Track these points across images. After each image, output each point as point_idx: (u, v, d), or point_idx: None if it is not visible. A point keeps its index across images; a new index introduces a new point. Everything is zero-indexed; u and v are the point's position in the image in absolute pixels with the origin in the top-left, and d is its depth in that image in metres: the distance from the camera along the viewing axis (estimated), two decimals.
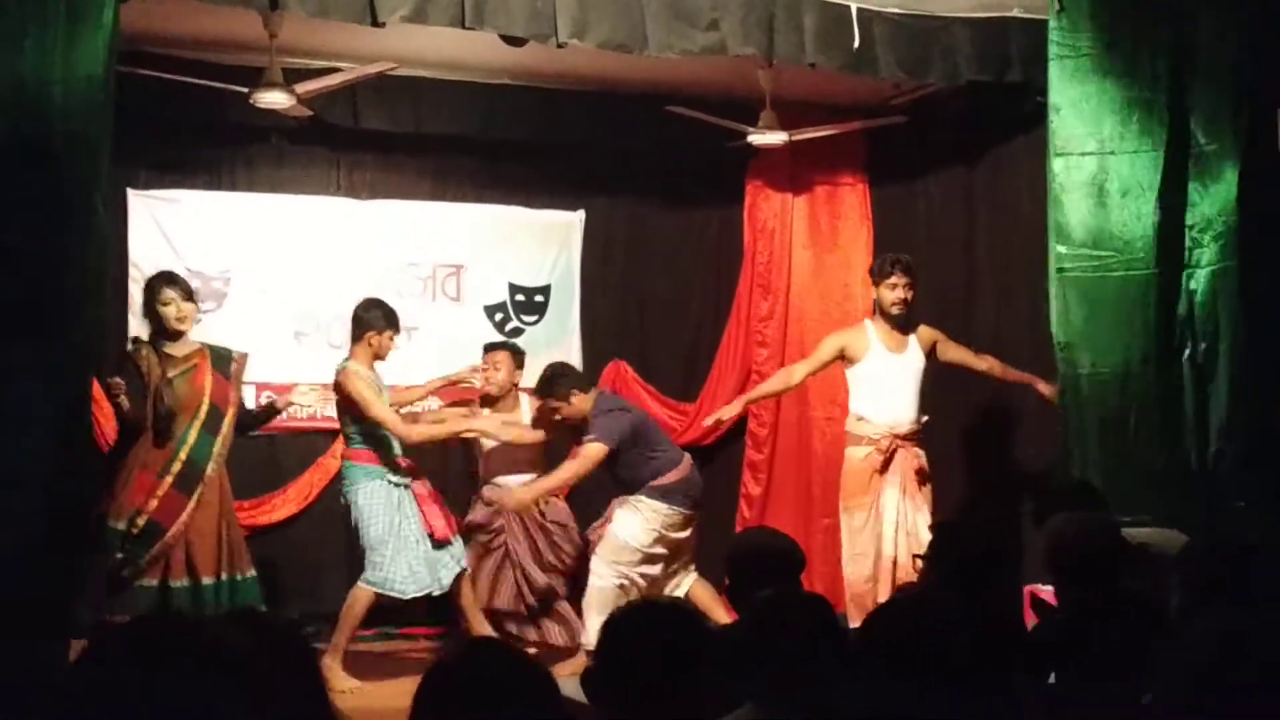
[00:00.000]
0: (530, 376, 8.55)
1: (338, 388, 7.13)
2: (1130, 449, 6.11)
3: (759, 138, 8.06)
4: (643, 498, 7.30)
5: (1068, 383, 6.24)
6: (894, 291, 7.36)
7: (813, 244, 9.35)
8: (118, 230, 7.85)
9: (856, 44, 6.57)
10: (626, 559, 7.27)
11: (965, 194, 8.82)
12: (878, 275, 7.47)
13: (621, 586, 7.23)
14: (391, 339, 7.25)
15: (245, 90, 7.22)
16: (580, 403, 7.42)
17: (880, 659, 2.41)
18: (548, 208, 9.13)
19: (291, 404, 7.61)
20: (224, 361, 6.98)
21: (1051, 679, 3.53)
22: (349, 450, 7.25)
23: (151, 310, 6.90)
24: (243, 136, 8.40)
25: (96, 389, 7.11)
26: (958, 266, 8.84)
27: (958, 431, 8.52)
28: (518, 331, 9.00)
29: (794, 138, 8.18)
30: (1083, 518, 4.42)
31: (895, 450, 7.21)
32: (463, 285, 8.93)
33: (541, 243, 9.11)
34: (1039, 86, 6.62)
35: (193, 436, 6.70)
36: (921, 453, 7.34)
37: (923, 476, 7.31)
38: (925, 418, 7.44)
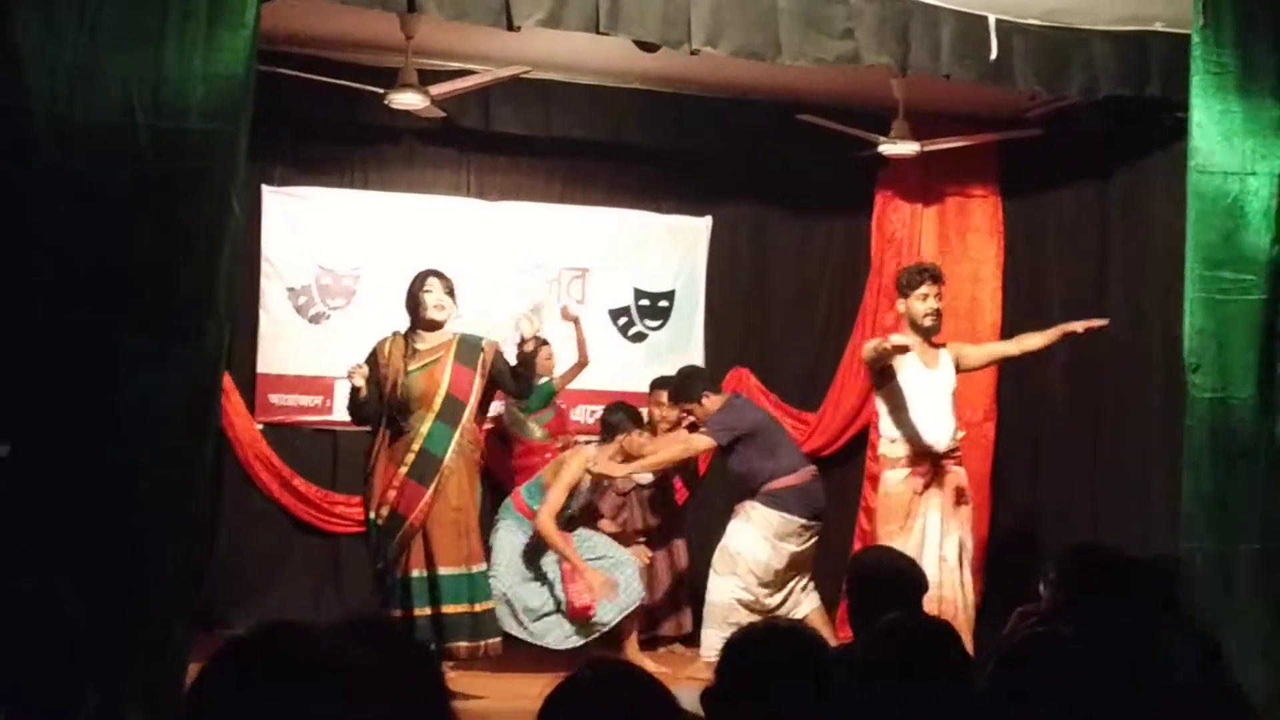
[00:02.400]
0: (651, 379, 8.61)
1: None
2: (1248, 476, 5.94)
3: (890, 147, 7.98)
4: (756, 504, 7.28)
5: (1194, 405, 6.07)
6: (925, 302, 7.00)
7: (941, 256, 9.21)
8: (251, 225, 7.99)
9: (994, 55, 6.47)
10: (741, 570, 7.23)
11: (1099, 209, 8.65)
12: (907, 286, 7.07)
13: (740, 601, 7.19)
14: (641, 436, 7.59)
15: (380, 91, 7.31)
16: (711, 404, 7.47)
17: (1012, 697, 2.35)
18: (675, 213, 9.13)
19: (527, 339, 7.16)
20: (471, 350, 6.93)
21: None
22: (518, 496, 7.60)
23: (413, 300, 6.91)
24: (376, 136, 8.51)
25: (227, 382, 7.27)
26: (1089, 282, 8.68)
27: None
28: (641, 336, 9.01)
29: (926, 148, 8.08)
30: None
31: (936, 471, 6.92)
32: (588, 288, 8.96)
33: (668, 248, 9.11)
34: (1178, 102, 6.47)
35: (425, 428, 6.76)
36: (961, 471, 7.06)
37: (961, 496, 7.01)
38: (962, 433, 7.18)
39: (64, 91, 4.84)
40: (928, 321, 7.01)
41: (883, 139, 7.94)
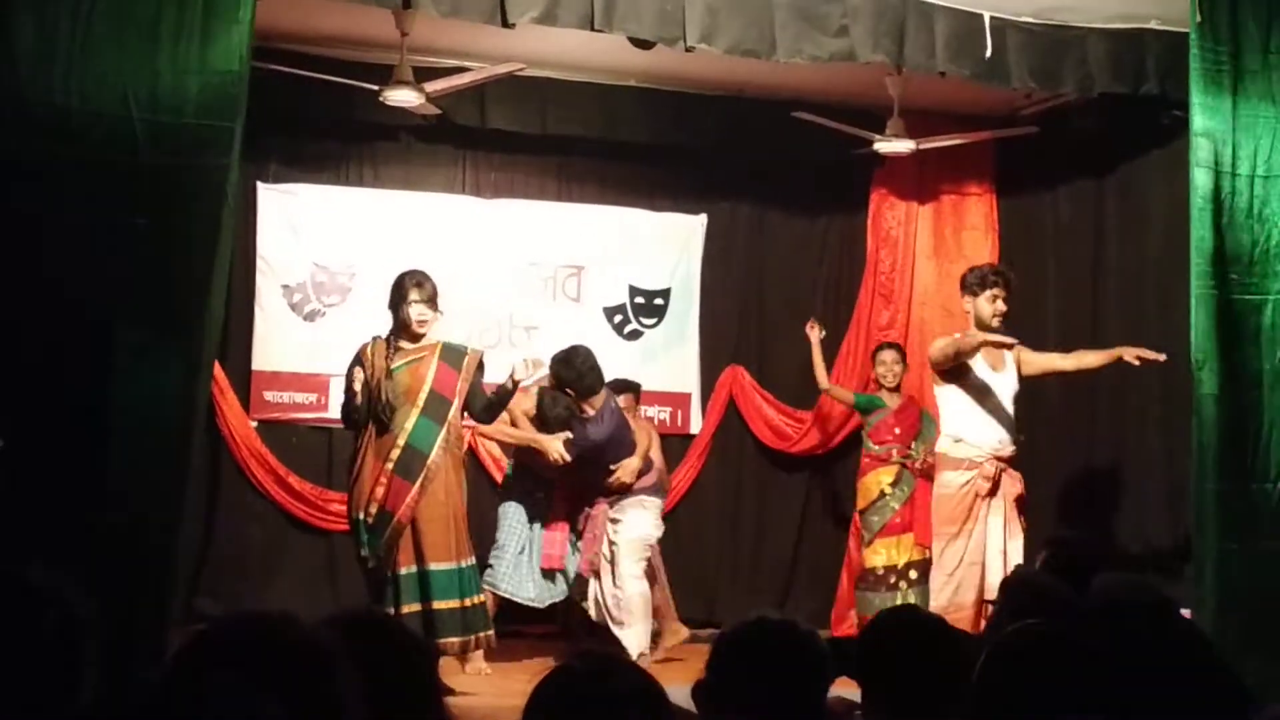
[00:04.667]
0: (650, 377, 8.61)
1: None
2: (1257, 474, 5.93)
3: (886, 145, 7.97)
4: (644, 497, 7.48)
5: (1199, 403, 6.06)
6: (995, 304, 6.97)
7: (936, 254, 9.24)
8: (246, 222, 7.99)
9: (989, 53, 6.47)
10: (647, 554, 7.47)
11: (1095, 208, 8.66)
12: (978, 286, 7.05)
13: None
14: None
15: (375, 88, 7.31)
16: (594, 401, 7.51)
17: (1003, 690, 2.34)
18: (670, 211, 9.12)
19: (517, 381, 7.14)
20: (455, 355, 6.94)
21: None
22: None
23: (395, 307, 6.86)
24: (371, 133, 8.51)
25: (219, 376, 7.27)
26: (1085, 281, 8.69)
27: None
28: (636, 334, 9.01)
29: (921, 146, 8.08)
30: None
31: (1000, 474, 6.89)
32: (583, 286, 8.95)
33: (663, 246, 9.11)
34: (1175, 99, 6.47)
35: (410, 424, 6.75)
36: (1019, 476, 7.04)
37: (1021, 504, 7.00)
38: (1021, 437, 7.15)
39: (60, 86, 4.85)
40: (995, 323, 6.99)
41: (878, 137, 7.94)
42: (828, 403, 9.11)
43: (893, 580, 7.86)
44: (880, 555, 7.93)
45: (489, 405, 7.00)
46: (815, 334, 8.48)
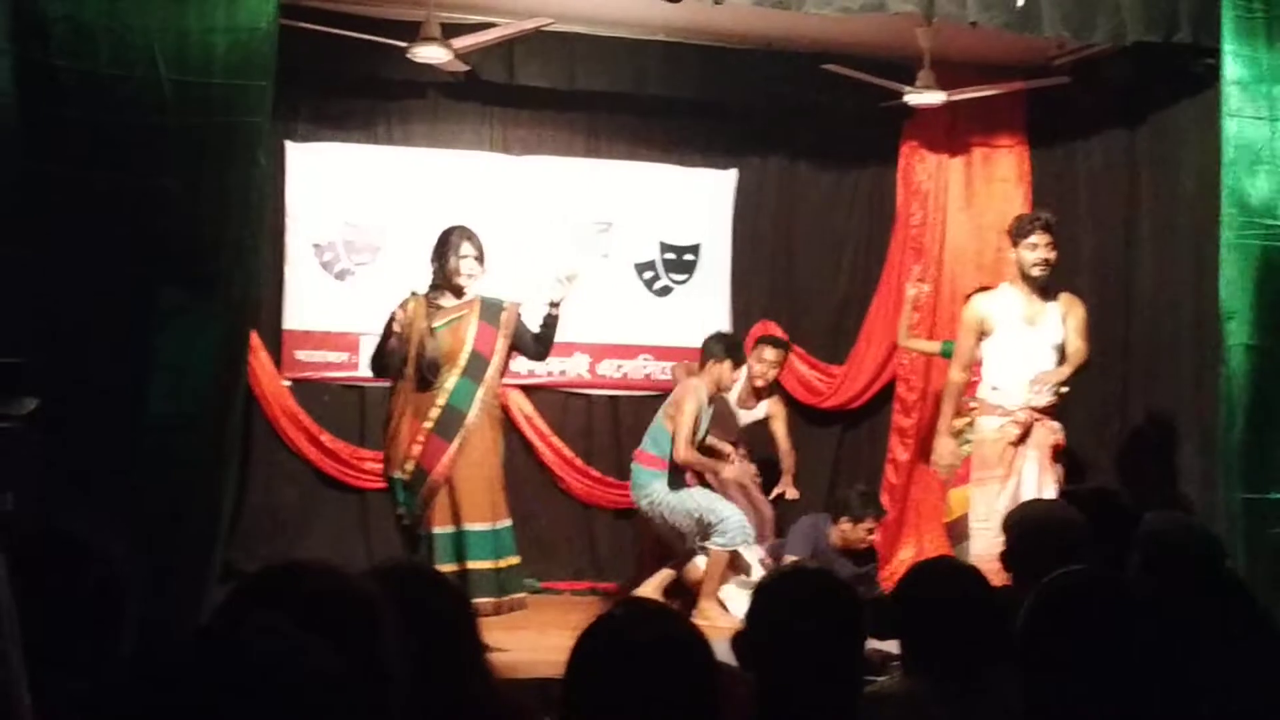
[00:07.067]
0: (681, 333, 8.60)
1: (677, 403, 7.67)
2: None
3: (916, 97, 7.90)
4: None
5: (1228, 354, 6.03)
6: (1034, 252, 6.86)
7: (968, 206, 9.19)
8: (276, 180, 7.99)
9: (1020, 2, 6.41)
10: None
11: (1127, 158, 8.59)
12: (1017, 234, 6.98)
13: None
14: (733, 369, 7.75)
15: (403, 45, 7.28)
16: None
17: (1049, 637, 2.33)
18: (700, 166, 9.09)
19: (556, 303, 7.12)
20: (494, 311, 6.92)
21: None
22: (642, 453, 7.72)
23: (443, 260, 6.82)
24: (399, 91, 8.48)
25: (254, 339, 7.28)
26: (1118, 232, 8.63)
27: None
28: (667, 290, 8.99)
29: (952, 98, 8.01)
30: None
31: (1032, 423, 6.86)
32: (613, 242, 8.93)
33: (693, 201, 9.07)
34: (1207, 48, 6.41)
35: (451, 383, 6.76)
36: (1059, 426, 6.97)
37: (1057, 453, 6.94)
38: (1065, 389, 7.06)
39: (89, 47, 4.85)
40: (1036, 271, 6.88)
41: (908, 89, 7.87)
42: (859, 355, 9.10)
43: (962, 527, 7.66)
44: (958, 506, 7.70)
45: (539, 338, 7.01)
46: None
